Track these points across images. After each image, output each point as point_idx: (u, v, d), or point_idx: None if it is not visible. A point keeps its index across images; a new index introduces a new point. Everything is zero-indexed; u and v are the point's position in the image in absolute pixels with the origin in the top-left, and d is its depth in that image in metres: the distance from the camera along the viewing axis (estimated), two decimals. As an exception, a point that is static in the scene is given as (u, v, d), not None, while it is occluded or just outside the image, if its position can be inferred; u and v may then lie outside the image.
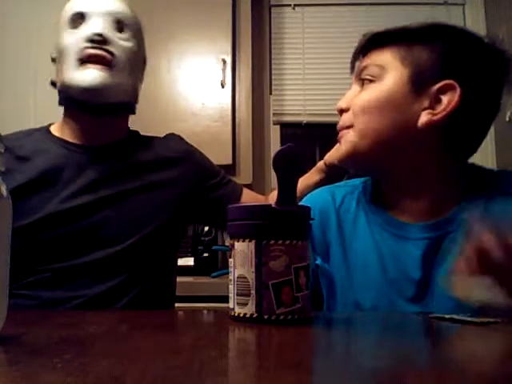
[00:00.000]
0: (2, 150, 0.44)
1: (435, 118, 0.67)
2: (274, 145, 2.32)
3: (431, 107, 0.67)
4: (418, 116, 0.67)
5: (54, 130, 1.00)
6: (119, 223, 0.90)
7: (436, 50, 0.68)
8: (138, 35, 1.00)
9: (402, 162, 0.71)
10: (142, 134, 1.08)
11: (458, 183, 0.73)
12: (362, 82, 0.73)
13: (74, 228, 0.88)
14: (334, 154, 0.86)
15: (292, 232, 0.51)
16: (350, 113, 0.73)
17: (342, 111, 0.75)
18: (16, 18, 2.04)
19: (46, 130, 1.00)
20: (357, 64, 0.76)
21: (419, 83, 0.68)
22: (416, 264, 0.69)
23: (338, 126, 0.76)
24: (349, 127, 0.73)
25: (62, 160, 0.93)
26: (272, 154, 0.53)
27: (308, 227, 0.54)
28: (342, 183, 0.86)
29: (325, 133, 2.33)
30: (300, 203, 0.83)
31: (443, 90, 0.67)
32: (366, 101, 0.70)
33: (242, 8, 2.10)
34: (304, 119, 2.34)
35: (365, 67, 0.72)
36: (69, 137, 0.97)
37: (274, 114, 2.35)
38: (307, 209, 0.55)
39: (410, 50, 0.69)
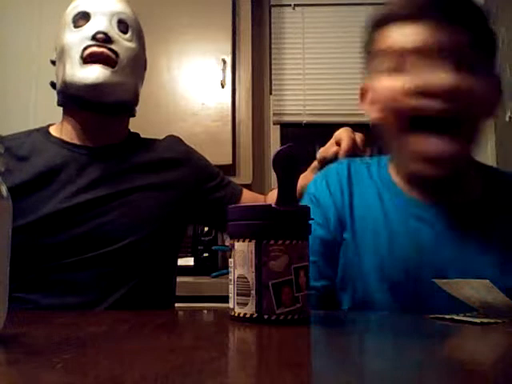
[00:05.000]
0: (2, 151, 0.44)
1: None
2: (274, 145, 2.32)
3: None
4: None
5: (53, 131, 0.99)
6: (119, 222, 0.90)
7: None
8: (140, 38, 1.01)
9: None
10: (142, 136, 1.08)
11: (477, 173, 0.75)
12: None
13: (73, 227, 0.88)
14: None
15: (292, 232, 0.51)
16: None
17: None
18: (16, 19, 2.04)
19: (45, 130, 1.00)
20: None
21: None
22: (429, 243, 0.69)
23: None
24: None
25: (61, 160, 0.93)
26: (272, 154, 0.52)
27: (308, 227, 0.54)
28: (358, 159, 0.84)
29: (325, 133, 2.32)
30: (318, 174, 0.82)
31: None
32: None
33: (242, 8, 2.10)
34: (304, 119, 2.34)
35: None
36: (68, 137, 0.97)
37: (274, 114, 2.34)
38: (307, 208, 0.55)
39: None
